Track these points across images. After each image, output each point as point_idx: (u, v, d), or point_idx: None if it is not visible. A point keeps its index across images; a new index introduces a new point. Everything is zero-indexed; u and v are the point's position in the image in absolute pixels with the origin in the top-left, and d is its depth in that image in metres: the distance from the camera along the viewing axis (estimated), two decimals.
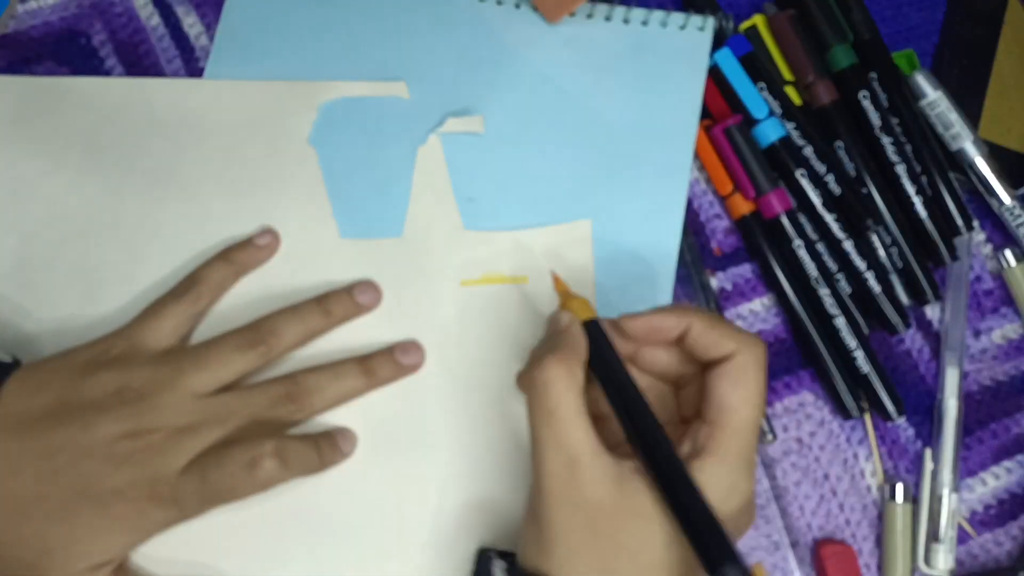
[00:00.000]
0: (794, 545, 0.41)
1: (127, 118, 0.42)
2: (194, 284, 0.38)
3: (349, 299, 0.39)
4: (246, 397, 0.36)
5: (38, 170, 0.42)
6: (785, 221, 0.42)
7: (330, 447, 0.37)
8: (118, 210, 0.41)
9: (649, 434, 0.30)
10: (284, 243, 0.41)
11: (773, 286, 0.42)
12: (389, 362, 0.38)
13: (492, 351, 0.39)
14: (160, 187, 0.41)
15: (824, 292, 0.41)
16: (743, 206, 0.42)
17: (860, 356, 0.41)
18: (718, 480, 0.30)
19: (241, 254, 0.40)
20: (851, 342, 0.41)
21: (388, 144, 0.42)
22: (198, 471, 0.34)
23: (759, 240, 0.42)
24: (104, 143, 0.42)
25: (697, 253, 0.42)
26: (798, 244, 0.41)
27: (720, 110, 0.43)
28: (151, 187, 0.41)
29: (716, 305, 0.42)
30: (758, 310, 0.43)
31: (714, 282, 0.43)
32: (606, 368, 0.32)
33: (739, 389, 0.31)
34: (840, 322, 0.41)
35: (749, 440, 0.31)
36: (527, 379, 0.31)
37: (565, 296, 0.36)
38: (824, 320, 0.41)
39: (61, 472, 0.33)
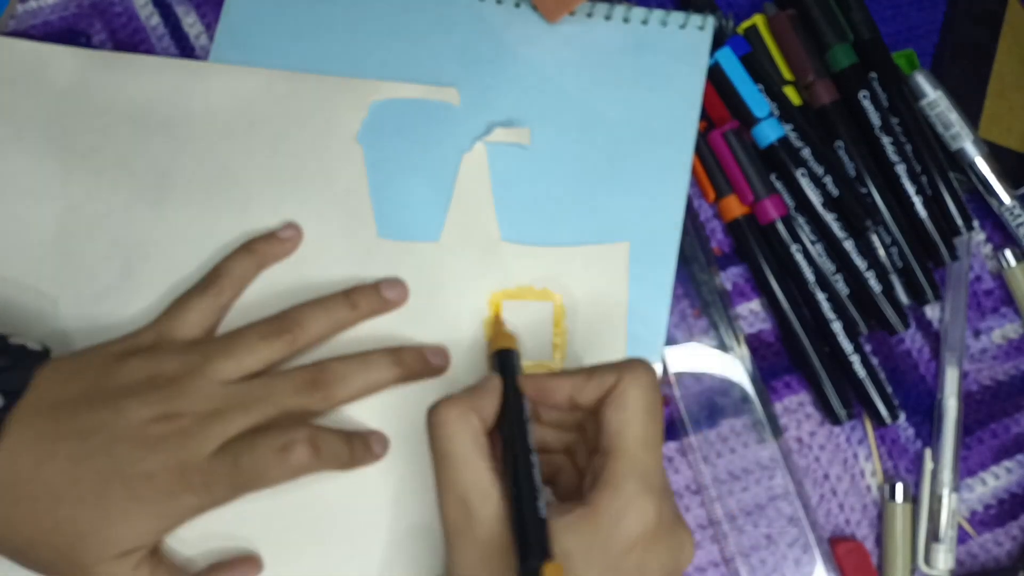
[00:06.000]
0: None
1: (180, 99, 0.42)
2: (217, 278, 0.39)
3: (375, 294, 0.39)
4: (271, 383, 0.36)
5: (88, 142, 0.42)
6: (780, 227, 0.42)
7: (363, 446, 0.37)
8: (163, 189, 0.41)
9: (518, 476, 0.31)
10: (322, 237, 0.41)
11: (764, 290, 0.42)
12: (419, 358, 0.38)
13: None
14: (205, 169, 0.41)
15: (821, 297, 0.41)
16: (735, 209, 0.42)
17: (856, 360, 0.41)
18: (617, 507, 0.30)
19: (264, 247, 0.40)
20: (847, 346, 0.41)
21: (432, 148, 0.42)
22: (230, 455, 0.34)
23: (751, 244, 0.42)
24: (155, 122, 0.42)
25: (698, 252, 0.42)
26: (796, 249, 0.41)
27: (717, 115, 0.43)
28: (197, 168, 0.41)
29: (725, 304, 0.42)
30: (758, 310, 0.43)
31: (715, 281, 0.43)
32: (504, 415, 0.33)
33: (622, 412, 0.31)
34: (837, 327, 0.41)
35: (645, 462, 0.31)
36: (427, 420, 0.33)
37: (495, 325, 0.38)
38: (821, 324, 0.41)
39: (94, 455, 0.34)
